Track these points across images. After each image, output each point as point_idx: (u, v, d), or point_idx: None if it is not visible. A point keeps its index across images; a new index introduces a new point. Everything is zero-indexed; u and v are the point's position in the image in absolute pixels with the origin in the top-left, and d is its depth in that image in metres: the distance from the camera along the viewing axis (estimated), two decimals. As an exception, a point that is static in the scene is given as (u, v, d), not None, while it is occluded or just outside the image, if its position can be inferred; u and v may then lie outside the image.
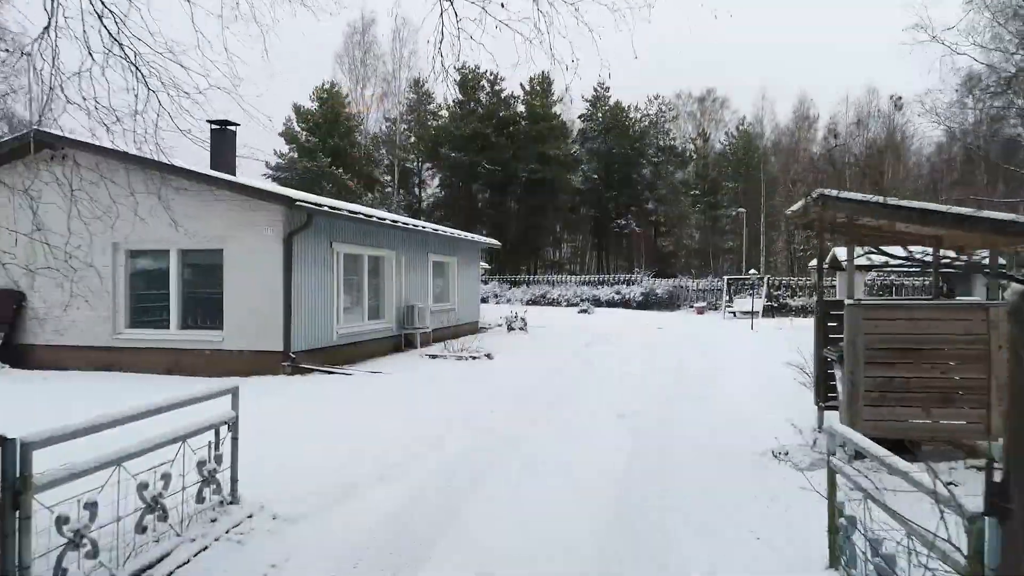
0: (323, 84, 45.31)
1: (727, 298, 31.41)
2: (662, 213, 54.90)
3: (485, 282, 44.77)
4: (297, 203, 12.06)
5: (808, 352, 9.12)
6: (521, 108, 52.97)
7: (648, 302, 36.35)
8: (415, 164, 58.36)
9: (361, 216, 14.48)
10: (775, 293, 30.85)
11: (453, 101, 53.64)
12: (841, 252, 22.08)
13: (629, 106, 56.89)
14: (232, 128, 16.89)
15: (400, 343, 17.30)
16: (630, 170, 55.63)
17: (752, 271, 24.66)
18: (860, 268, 22.41)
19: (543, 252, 57.75)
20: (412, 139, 53.63)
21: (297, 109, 44.65)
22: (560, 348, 17.25)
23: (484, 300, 43.22)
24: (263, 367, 12.57)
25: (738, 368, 13.69)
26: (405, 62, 51.84)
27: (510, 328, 20.97)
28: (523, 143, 50.59)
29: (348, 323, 15.00)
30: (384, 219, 15.53)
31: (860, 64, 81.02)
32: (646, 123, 57.02)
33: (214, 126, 16.28)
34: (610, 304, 37.74)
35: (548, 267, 56.44)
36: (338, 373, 12.52)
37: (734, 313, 31.33)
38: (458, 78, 52.84)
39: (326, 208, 13.00)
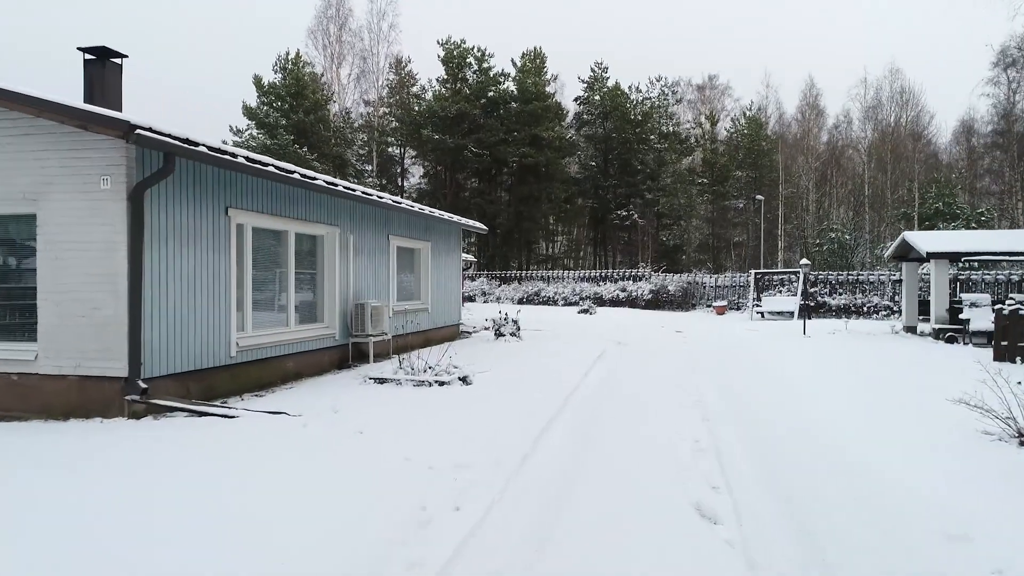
0: (287, 53, 40.25)
1: (754, 296, 26.76)
2: (666, 204, 50.21)
3: (471, 278, 40.06)
4: (140, 131, 7.16)
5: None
6: (512, 87, 48.12)
7: (658, 300, 31.66)
8: (398, 151, 53.42)
9: (274, 170, 9.57)
10: (811, 290, 26.26)
11: (437, 80, 48.83)
12: (917, 237, 17.42)
13: (630, 86, 52.20)
14: (117, 61, 11.91)
15: (347, 356, 12.48)
16: (631, 157, 50.96)
17: (804, 261, 19.88)
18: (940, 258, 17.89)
19: (536, 246, 52.91)
20: (394, 124, 48.65)
21: (257, 81, 39.55)
22: (564, 365, 12.40)
23: (470, 298, 38.41)
24: (93, 403, 7.72)
25: (853, 409, 8.85)
26: (384, 36, 46.93)
27: (498, 334, 16.17)
28: (514, 125, 45.77)
29: (258, 330, 10.15)
30: (316, 179, 10.70)
31: (875, 43, 76.87)
32: (648, 107, 52.33)
33: (88, 55, 11.42)
34: (614, 303, 33.02)
35: (541, 262, 51.63)
36: (216, 414, 7.64)
37: (762, 314, 26.66)
38: (442, 53, 48.13)
39: (203, 148, 8.06)
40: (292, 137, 36.15)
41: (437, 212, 16.21)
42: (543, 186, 45.87)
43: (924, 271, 22.88)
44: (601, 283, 35.18)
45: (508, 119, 46.34)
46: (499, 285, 38.44)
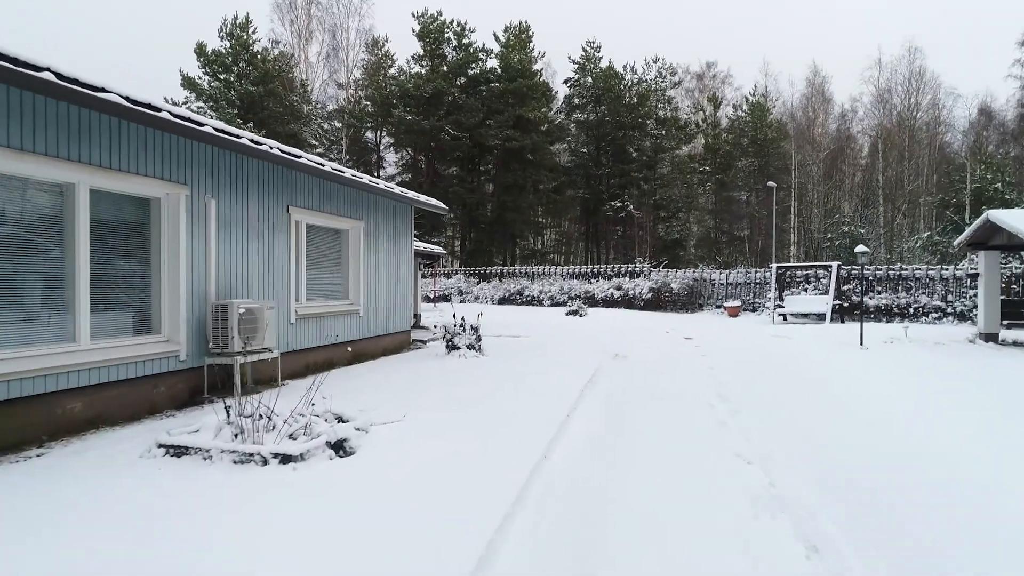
0: (235, 17, 35.61)
1: (775, 294, 22.51)
2: (664, 194, 45.95)
3: (447, 274, 35.69)
4: None
5: None
6: (494, 65, 43.70)
7: (659, 300, 27.36)
8: (374, 137, 48.89)
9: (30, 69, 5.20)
10: (844, 288, 22.01)
11: (412, 57, 44.35)
12: (1014, 217, 13.16)
13: (625, 66, 47.88)
14: None
15: (201, 384, 8.05)
16: (626, 144, 46.69)
17: (861, 248, 15.57)
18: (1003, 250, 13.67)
19: (522, 240, 48.49)
20: (368, 107, 44.09)
21: (200, 48, 34.90)
22: (532, 402, 7.85)
23: (444, 298, 34.00)
24: None
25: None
26: (356, 9, 42.53)
27: (451, 346, 11.69)
28: (497, 105, 41.36)
29: (7, 349, 5.76)
30: (135, 101, 6.32)
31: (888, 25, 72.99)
32: (643, 89, 48.03)
33: None
34: (608, 303, 28.70)
35: (528, 257, 47.21)
36: None
37: (784, 316, 22.39)
38: (418, 27, 43.64)
39: None
40: (235, 111, 31.58)
41: (371, 179, 11.80)
42: (529, 174, 41.50)
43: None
44: (593, 280, 30.86)
45: (490, 99, 41.92)
46: (478, 283, 34.08)
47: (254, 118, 33.20)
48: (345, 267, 12.11)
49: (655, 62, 49.07)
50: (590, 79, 48.04)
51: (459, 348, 11.33)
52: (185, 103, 34.26)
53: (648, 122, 47.48)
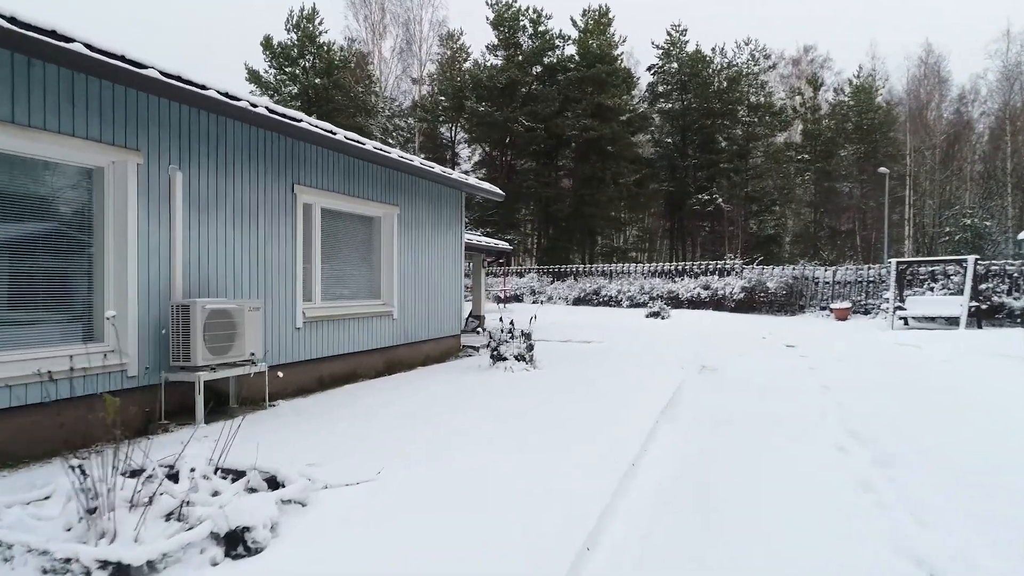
0: (301, 9, 34.79)
1: (894, 294, 19.21)
2: (757, 186, 42.33)
3: (519, 273, 33.76)
4: None
5: None
6: (572, 51, 41.39)
7: (753, 301, 24.35)
8: (449, 133, 47.57)
9: None
10: (981, 288, 18.50)
11: (486, 47, 42.68)
12: None
13: (714, 49, 44.54)
14: None
15: (156, 407, 6.27)
16: (714, 133, 43.38)
17: (1025, 236, 12.47)
18: None
19: (601, 236, 45.84)
20: (442, 101, 42.70)
21: (266, 42, 34.33)
22: (577, 446, 5.54)
23: (516, 298, 32.05)
24: None
25: None
26: (429, 0, 41.23)
27: (497, 357, 9.54)
28: (574, 93, 39.01)
29: None
30: (23, 24, 4.68)
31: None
32: (734, 73, 44.47)
33: None
34: (694, 304, 25.93)
35: (607, 255, 44.54)
36: None
37: (905, 320, 19.08)
38: (492, 15, 41.90)
39: None
40: (299, 104, 30.69)
41: (403, 155, 9.87)
42: (609, 166, 38.96)
43: None
44: (677, 279, 28.09)
45: (567, 87, 39.61)
46: (552, 282, 31.93)
47: (319, 111, 32.29)
48: (375, 261, 10.26)
49: (747, 44, 45.42)
50: (675, 65, 44.98)
51: (506, 359, 9.22)
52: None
53: (739, 109, 43.96)
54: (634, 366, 10.85)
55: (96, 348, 5.85)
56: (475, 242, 18.62)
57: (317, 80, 33.22)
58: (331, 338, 8.86)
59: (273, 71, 33.89)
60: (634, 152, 41.92)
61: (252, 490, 3.68)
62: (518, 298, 31.84)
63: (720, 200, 40.71)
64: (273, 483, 3.78)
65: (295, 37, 34.12)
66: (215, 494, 3.48)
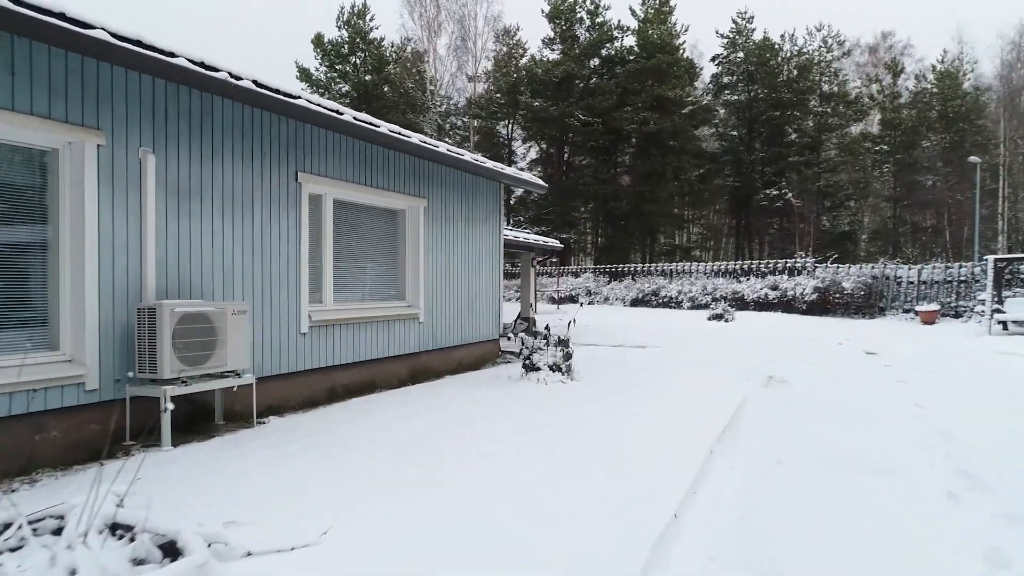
0: (352, 5, 34.42)
1: (991, 296, 17.14)
2: (830, 180, 39.80)
3: (575, 273, 32.56)
4: None
5: None
6: (631, 42, 39.84)
7: (827, 302, 22.44)
8: (506, 130, 46.69)
9: None
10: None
11: (542, 41, 41.59)
12: None
13: (783, 36, 42.18)
14: None
15: (121, 427, 5.43)
16: (783, 124, 41.04)
17: None
18: None
19: (661, 235, 44.02)
20: (498, 98, 41.81)
21: (318, 39, 34.10)
22: (605, 485, 4.37)
23: (571, 299, 30.84)
24: None
25: None
26: (484, -5, 40.43)
27: (529, 367, 8.38)
28: (633, 85, 37.48)
29: None
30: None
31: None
32: (804, 61, 41.97)
33: None
34: (760, 305, 24.18)
35: (668, 254, 42.70)
36: None
37: (1004, 324, 16.98)
38: (548, 7, 40.78)
39: None
40: (348, 101, 30.28)
41: (424, 139, 8.87)
42: (669, 161, 37.26)
43: None
44: (742, 279, 26.33)
45: (626, 79, 38.10)
46: (608, 282, 30.59)
47: (368, 108, 31.85)
48: (399, 259, 9.32)
49: (818, 31, 42.82)
50: (741, 54, 42.83)
51: (538, 369, 8.10)
52: None
53: (810, 99, 41.48)
54: (690, 377, 9.57)
55: (48, 357, 5.06)
56: (522, 239, 17.57)
57: (367, 77, 32.79)
58: (345, 344, 7.94)
59: (324, 69, 33.67)
60: (697, 146, 40.02)
61: (140, 561, 2.72)
62: (573, 299, 30.64)
63: (790, 195, 38.41)
64: (171, 550, 2.80)
65: (346, 34, 33.81)
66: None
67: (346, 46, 33.53)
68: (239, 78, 5.83)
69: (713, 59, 44.33)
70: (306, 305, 7.32)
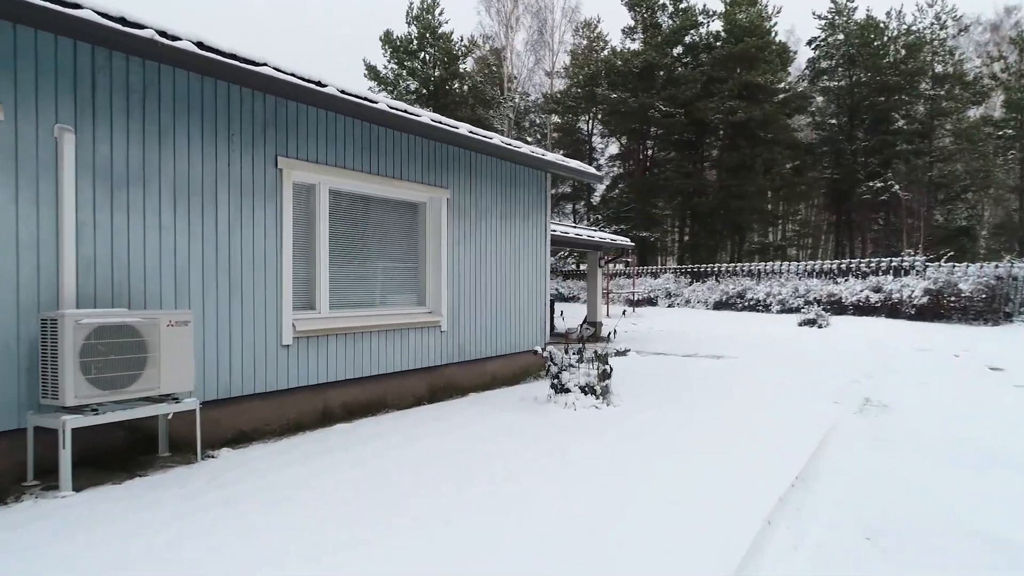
0: (422, 1, 33.70)
1: None
2: (945, 170, 35.95)
3: (654, 274, 30.74)
4: None
5: None
6: (717, 27, 37.39)
7: (940, 306, 19.69)
8: (586, 126, 45.14)
9: None
10: None
11: (622, 30, 39.78)
12: None
13: (889, 13, 38.56)
14: None
15: (22, 467, 4.48)
16: (889, 111, 37.44)
17: None
18: None
19: (751, 232, 41.14)
20: (575, 92, 40.28)
21: (386, 36, 33.58)
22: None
23: (649, 301, 29.00)
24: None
25: None
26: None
27: (558, 388, 6.95)
28: (719, 72, 35.08)
29: None
30: None
31: None
32: (914, 41, 38.14)
33: None
34: (860, 309, 21.63)
35: (760, 252, 39.82)
36: None
37: None
38: (628, -5, 38.93)
39: None
40: (414, 97, 29.59)
41: (451, 123, 7.66)
42: (759, 152, 34.64)
43: None
44: (839, 279, 23.77)
45: (712, 66, 35.72)
46: (690, 283, 28.55)
47: (436, 104, 31.11)
48: (418, 258, 8.15)
49: (930, 6, 38.83)
50: (841, 36, 39.44)
51: (568, 391, 6.70)
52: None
53: (920, 81, 37.65)
54: (762, 399, 7.92)
55: (-71, 379, 4.16)
56: (585, 237, 16.13)
57: (436, 73, 32.05)
58: (344, 357, 6.84)
59: (393, 66, 33.20)
60: (791, 136, 37.05)
61: None
62: (651, 301, 28.80)
63: (897, 187, 34.90)
64: None
65: (415, 30, 33.22)
66: None
67: (415, 42, 32.92)
68: (175, 38, 4.79)
69: (809, 43, 41.11)
70: (289, 313, 6.25)
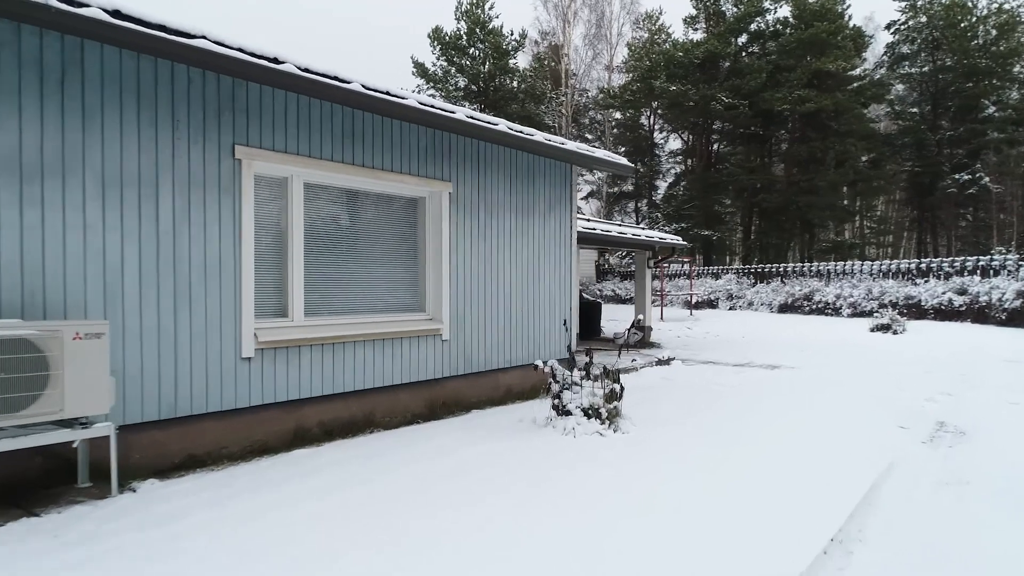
0: (475, -3, 32.97)
1: None
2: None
3: (715, 275, 29.21)
4: None
5: None
6: (785, 13, 35.29)
7: (1035, 311, 17.60)
8: (647, 121, 43.64)
9: None
10: None
11: (684, 20, 38.16)
12: None
13: (978, -9, 35.49)
14: None
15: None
16: (978, 96, 34.49)
17: None
18: None
19: (827, 228, 38.63)
20: (633, 86, 38.88)
21: (435, 32, 32.96)
22: None
23: (710, 303, 27.48)
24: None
25: None
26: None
27: (559, 410, 5.96)
28: (786, 60, 33.06)
29: None
30: None
31: None
32: (1008, 20, 34.98)
33: None
34: (942, 314, 19.66)
35: (835, 250, 37.35)
36: None
37: None
38: (689, -17, 37.25)
39: None
40: (461, 93, 28.89)
41: (446, 107, 6.82)
42: (831, 144, 32.42)
43: None
44: (919, 280, 21.73)
45: (779, 54, 33.71)
46: (753, 284, 26.87)
47: (486, 100, 30.36)
48: (416, 259, 7.36)
49: (1026, -19, 35.53)
50: (923, 18, 36.61)
51: (570, 414, 5.76)
52: (415, 90, 32.85)
53: (1015, 63, 34.50)
54: (815, 420, 6.76)
55: None
56: (630, 236, 15.04)
57: (484, 68, 31.30)
58: (322, 370, 6.11)
59: (442, 62, 32.62)
60: (866, 127, 34.53)
61: None
62: (712, 304, 27.27)
63: (986, 180, 32.05)
64: None
65: (464, 25, 32.56)
66: None
67: (464, 38, 32.26)
68: (81, 4, 4.11)
69: (888, 27, 38.38)
70: (250, 322, 5.54)
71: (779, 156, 37.78)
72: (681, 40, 36.91)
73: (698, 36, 37.05)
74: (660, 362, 11.91)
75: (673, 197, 38.35)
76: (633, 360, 11.63)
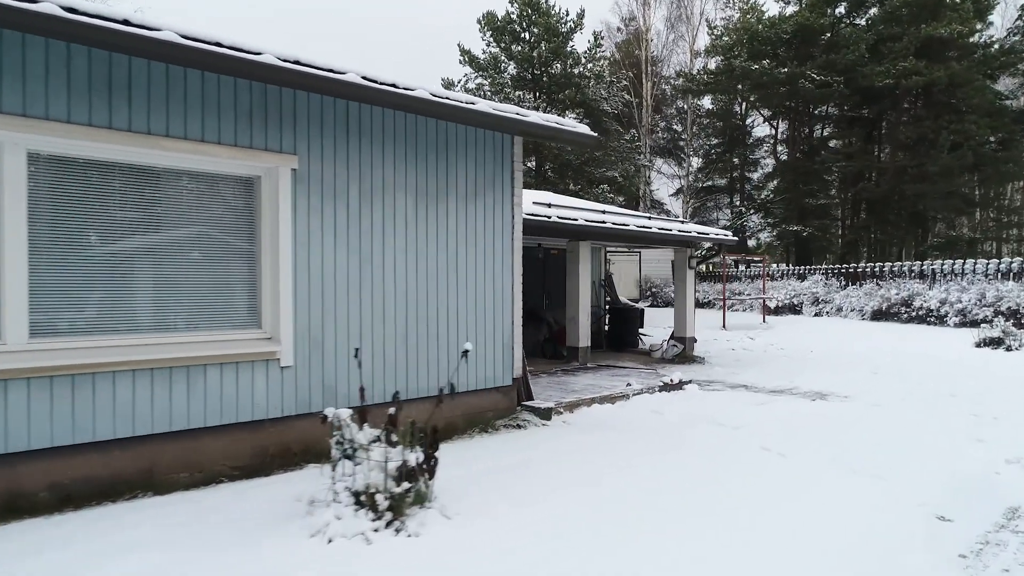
0: (525, -22, 30.73)
1: None
2: None
3: (800, 276, 25.85)
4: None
5: None
6: (890, -24, 30.82)
7: None
8: (739, 108, 40.00)
9: None
10: None
11: (773, -7, 34.33)
12: None
13: None
14: None
15: None
16: None
17: None
18: None
19: (943, 222, 33.53)
20: (713, 68, 35.43)
21: (488, 18, 30.82)
22: None
23: (793, 308, 24.06)
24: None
25: None
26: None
27: (368, 501, 3.83)
28: (890, 29, 28.72)
29: None
30: None
31: None
32: None
33: None
34: (1080, 324, 15.68)
35: (943, 248, 32.33)
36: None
37: None
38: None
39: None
40: (507, 79, 26.81)
41: (246, 48, 4.92)
42: (944, 123, 27.78)
43: None
44: (1050, 282, 17.68)
45: (883, 21, 29.38)
46: (844, 287, 23.24)
47: (535, 85, 28.15)
48: (250, 259, 5.50)
49: None
50: (1066, -28, 31.00)
51: (338, 502, 3.64)
52: (463, 80, 30.93)
53: None
54: (820, 511, 4.32)
55: None
56: (655, 230, 12.62)
57: (535, 52, 29.06)
58: (61, 411, 4.39)
59: (493, 48, 30.61)
60: (989, 102, 29.42)
61: None
62: (795, 308, 23.87)
63: None
64: None
65: (516, 9, 30.38)
66: None
67: (516, 22, 30.12)
68: None
69: (1021, -14, 32.87)
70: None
71: (884, 140, 33.23)
72: (779, 14, 33.18)
73: (791, 9, 33.20)
74: (667, 387, 9.48)
75: (760, 189, 34.62)
76: (628, 384, 9.27)
